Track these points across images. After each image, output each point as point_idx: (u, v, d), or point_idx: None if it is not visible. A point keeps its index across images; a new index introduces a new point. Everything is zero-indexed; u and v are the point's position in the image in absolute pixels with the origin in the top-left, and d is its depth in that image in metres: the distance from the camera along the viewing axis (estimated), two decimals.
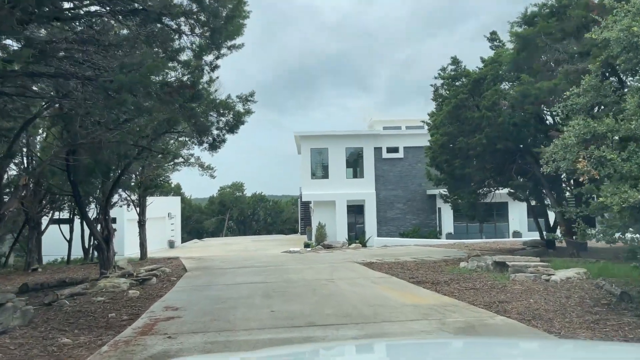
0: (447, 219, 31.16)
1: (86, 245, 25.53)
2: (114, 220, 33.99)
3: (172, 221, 37.37)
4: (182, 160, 22.43)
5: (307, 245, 31.03)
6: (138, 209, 22.32)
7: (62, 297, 8.99)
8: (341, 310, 7.97)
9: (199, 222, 49.30)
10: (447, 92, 15.64)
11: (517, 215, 31.32)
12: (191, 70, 8.68)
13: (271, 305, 8.54)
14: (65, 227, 26.00)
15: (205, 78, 9.64)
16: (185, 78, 8.63)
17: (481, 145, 14.25)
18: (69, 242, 24.71)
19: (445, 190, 19.24)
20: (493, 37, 17.17)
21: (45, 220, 29.98)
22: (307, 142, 32.09)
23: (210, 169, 23.84)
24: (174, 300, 9.55)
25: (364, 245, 30.02)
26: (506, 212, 31.53)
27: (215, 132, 10.48)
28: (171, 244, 36.24)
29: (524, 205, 30.65)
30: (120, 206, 25.11)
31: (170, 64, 8.31)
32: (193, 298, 9.76)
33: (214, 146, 10.96)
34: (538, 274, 11.01)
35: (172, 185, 46.29)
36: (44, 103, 11.50)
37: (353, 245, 25.11)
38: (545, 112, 14.13)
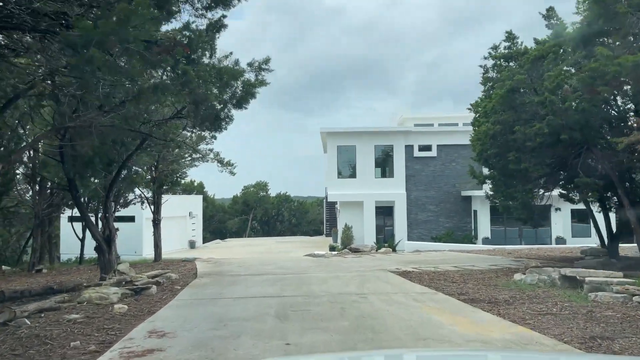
0: (483, 223, 28.54)
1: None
2: (132, 218, 32.55)
3: (194, 220, 35.67)
4: (199, 155, 20.53)
5: (332, 248, 28.86)
6: (152, 207, 20.48)
7: (24, 314, 7.03)
8: (381, 345, 5.76)
9: (222, 221, 47.59)
10: (499, 75, 13.23)
11: (561, 219, 28.46)
12: (186, 26, 6.64)
13: (286, 334, 6.37)
14: (79, 225, 24.43)
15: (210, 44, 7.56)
16: (179, 37, 6.59)
17: (541, 136, 11.80)
18: (82, 240, 23.05)
19: (489, 190, 16.74)
20: (550, 14, 14.68)
21: (62, 218, 28.73)
22: (333, 139, 29.90)
23: (229, 165, 21.91)
24: (165, 320, 7.47)
25: (393, 249, 27.64)
26: (548, 215, 28.70)
27: (218, 106, 8.35)
28: (192, 244, 34.53)
29: (568, 208, 27.86)
30: (134, 204, 23.38)
31: (160, 16, 6.27)
32: (190, 317, 7.66)
33: (216, 125, 8.87)
34: (627, 293, 8.57)
35: (195, 184, 44.76)
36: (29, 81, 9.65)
37: (382, 249, 22.78)
38: (626, 94, 11.60)
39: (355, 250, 22.42)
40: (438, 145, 29.86)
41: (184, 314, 7.90)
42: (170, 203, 34.12)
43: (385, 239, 29.69)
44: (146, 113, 9.84)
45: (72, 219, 24.52)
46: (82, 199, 15.04)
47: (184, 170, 20.70)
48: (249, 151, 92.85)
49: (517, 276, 11.54)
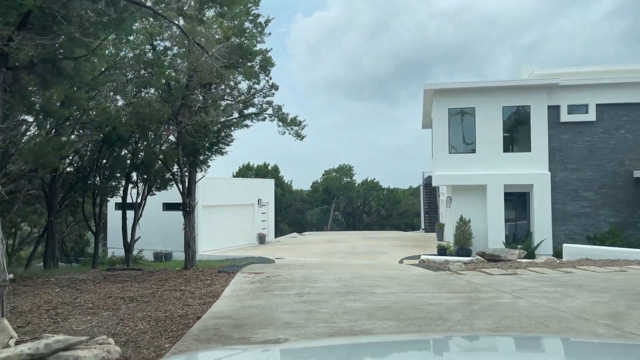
0: None
1: (128, 239, 17.28)
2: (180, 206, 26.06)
3: (264, 209, 28.58)
4: (244, 102, 13.00)
5: (442, 250, 20.27)
6: (181, 186, 13.24)
7: None
8: None
9: (300, 212, 40.34)
10: None
11: None
12: None
13: None
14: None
15: None
16: None
17: None
18: (96, 235, 16.52)
19: None
20: None
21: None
22: (443, 100, 21.21)
23: (295, 123, 14.15)
24: None
25: (531, 254, 18.58)
26: None
27: None
28: (261, 239, 27.45)
29: None
30: (170, 185, 16.47)
31: None
32: None
33: None
34: None
35: (269, 167, 37.84)
36: None
37: (542, 259, 13.72)
38: None
39: (494, 258, 13.77)
40: (598, 105, 20.14)
41: None
42: (232, 187, 27.28)
43: (515, 237, 20.61)
44: None
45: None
46: None
47: (228, 127, 13.20)
48: (332, 141, 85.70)
49: None
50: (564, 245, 16.38)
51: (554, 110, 20.36)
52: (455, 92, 21.07)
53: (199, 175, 13.80)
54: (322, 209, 41.47)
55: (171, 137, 13.00)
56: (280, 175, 37.13)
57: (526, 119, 20.48)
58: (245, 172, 36.37)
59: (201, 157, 13.29)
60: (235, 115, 14.09)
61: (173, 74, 11.42)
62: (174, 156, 12.47)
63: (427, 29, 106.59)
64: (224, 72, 11.71)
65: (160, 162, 14.14)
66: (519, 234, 20.81)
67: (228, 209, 25.82)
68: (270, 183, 29.67)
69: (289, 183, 39.04)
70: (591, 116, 20.15)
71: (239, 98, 13.74)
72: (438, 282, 9.68)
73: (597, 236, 19.89)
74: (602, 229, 20.07)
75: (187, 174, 13.32)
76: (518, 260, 13.65)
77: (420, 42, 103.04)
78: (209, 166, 15.01)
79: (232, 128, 13.92)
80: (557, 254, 19.97)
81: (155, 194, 17.76)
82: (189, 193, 13.38)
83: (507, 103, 20.59)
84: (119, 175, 16.36)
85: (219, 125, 12.82)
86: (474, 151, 20.93)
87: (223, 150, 13.95)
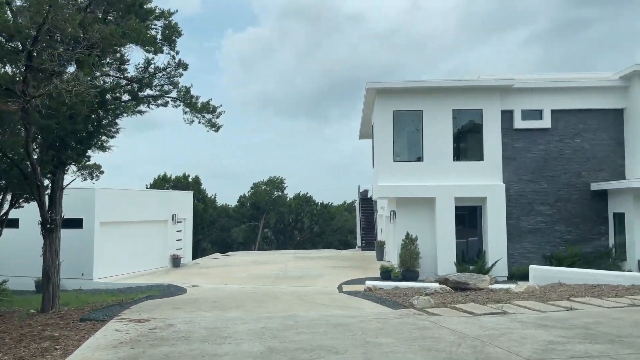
0: (638, 235, 16.72)
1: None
2: (78, 223, 21.30)
3: (180, 227, 24.33)
4: (149, 92, 9.30)
5: (385, 272, 17.25)
6: (36, 192, 9.13)
7: None
8: None
9: (225, 229, 36.06)
10: None
11: None
12: None
13: None
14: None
15: None
16: None
17: None
18: None
19: None
20: None
21: None
22: (387, 100, 18.46)
23: (208, 110, 10.56)
24: None
25: (485, 274, 15.99)
26: None
27: None
28: (176, 262, 23.14)
29: None
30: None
31: None
32: None
33: None
34: None
35: (189, 178, 33.42)
36: None
37: (522, 287, 10.77)
38: None
39: (460, 287, 10.80)
40: (553, 111, 18.24)
41: None
42: (139, 200, 22.77)
43: (465, 257, 18.06)
44: None
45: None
46: None
47: (111, 111, 9.38)
48: (265, 158, 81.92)
49: None
50: (531, 267, 13.85)
51: (507, 116, 18.22)
52: (400, 93, 18.38)
53: (69, 178, 9.78)
54: (250, 226, 37.45)
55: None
56: (202, 188, 32.81)
57: (478, 124, 18.15)
58: (161, 184, 31.79)
59: (69, 152, 9.29)
60: (126, 98, 10.26)
61: (11, 20, 7.48)
62: (18, 146, 8.42)
63: (359, 49, 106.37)
64: (99, 27, 7.95)
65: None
66: (470, 253, 18.29)
67: (134, 226, 21.40)
68: (188, 196, 25.47)
69: (212, 197, 34.71)
70: (546, 123, 18.18)
71: (127, 74, 9.95)
72: (411, 334, 6.40)
73: (554, 255, 17.77)
74: (558, 246, 18.00)
75: (49, 175, 9.29)
76: (490, 288, 10.78)
77: (351, 62, 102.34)
78: (101, 172, 11.02)
79: (120, 113, 10.04)
80: (512, 275, 17.64)
81: (23, 207, 13.28)
82: (51, 203, 9.35)
83: (457, 106, 18.18)
84: None
85: (95, 105, 8.94)
86: (421, 159, 18.27)
87: (105, 144, 10.01)
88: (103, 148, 9.88)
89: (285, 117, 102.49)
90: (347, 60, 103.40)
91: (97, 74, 9.18)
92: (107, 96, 9.56)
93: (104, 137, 9.87)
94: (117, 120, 9.88)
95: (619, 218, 17.45)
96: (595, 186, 17.93)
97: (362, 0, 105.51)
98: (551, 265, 17.12)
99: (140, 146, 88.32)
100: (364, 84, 18.57)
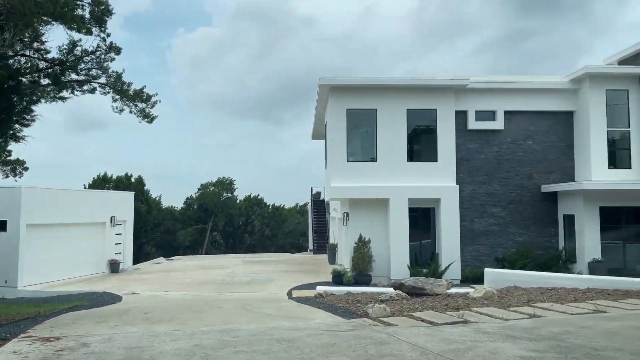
0: (588, 237, 16.77)
1: None
2: (1, 224, 19.35)
3: (119, 229, 22.61)
4: (75, 76, 8.06)
5: (337, 276, 16.49)
6: None
7: None
8: None
9: (171, 232, 34.24)
10: None
11: None
12: None
13: None
14: None
15: None
16: None
17: None
18: None
19: None
20: None
21: None
22: (341, 98, 17.76)
23: (141, 98, 9.40)
24: None
25: (439, 277, 15.54)
26: None
27: None
28: (114, 267, 21.43)
29: None
30: None
31: None
32: None
33: None
34: None
35: (132, 178, 31.47)
36: None
37: (481, 292, 10.20)
38: None
39: (416, 292, 10.14)
40: (506, 112, 18.12)
41: None
42: (73, 200, 20.77)
43: (418, 259, 17.60)
44: None
45: None
46: None
47: (25, 96, 8.08)
48: (216, 160, 79.79)
49: None
50: (486, 270, 13.44)
51: (461, 116, 17.94)
52: (355, 90, 17.73)
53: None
54: (197, 229, 35.80)
55: None
56: (146, 188, 30.95)
57: (433, 124, 17.76)
58: (102, 184, 29.70)
59: None
60: (45, 82, 8.94)
61: None
62: None
63: (312, 53, 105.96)
64: None
65: None
66: (423, 256, 17.84)
67: (67, 229, 19.59)
68: (129, 197, 23.77)
69: (157, 198, 32.84)
70: (499, 124, 18.04)
71: (48, 56, 8.66)
72: (366, 351, 5.59)
73: (506, 257, 17.61)
74: (510, 249, 17.86)
75: None
76: (447, 293, 10.19)
77: (305, 65, 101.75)
78: (25, 169, 9.68)
79: (37, 99, 8.72)
80: (466, 278, 17.33)
81: None
82: None
83: (412, 105, 17.72)
84: None
85: (6, 88, 7.62)
86: (375, 160, 17.67)
87: (19, 134, 8.67)
88: (16, 138, 8.54)
89: (237, 118, 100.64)
90: (300, 63, 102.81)
91: (9, 52, 7.87)
92: (23, 79, 8.24)
93: (17, 126, 8.52)
94: (32, 107, 8.56)
95: (569, 220, 17.50)
96: (545, 188, 17.94)
97: (316, 4, 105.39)
98: (503, 267, 16.91)
99: (85, 146, 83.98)
100: (317, 84, 17.80)
